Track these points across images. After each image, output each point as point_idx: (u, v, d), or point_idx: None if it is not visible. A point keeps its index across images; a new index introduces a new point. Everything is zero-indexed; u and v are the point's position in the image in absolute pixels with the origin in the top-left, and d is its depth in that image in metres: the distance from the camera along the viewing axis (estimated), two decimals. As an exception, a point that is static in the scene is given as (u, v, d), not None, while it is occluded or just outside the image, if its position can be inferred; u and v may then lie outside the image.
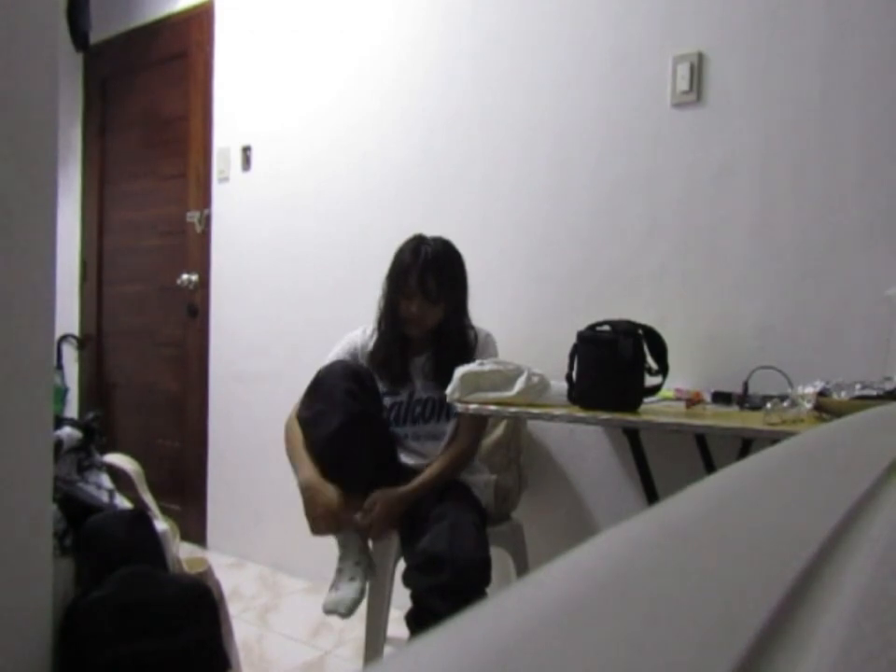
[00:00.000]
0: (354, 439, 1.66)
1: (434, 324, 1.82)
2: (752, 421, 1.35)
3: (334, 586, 1.66)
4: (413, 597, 1.53)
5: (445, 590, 1.45)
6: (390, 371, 1.84)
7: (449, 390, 1.59)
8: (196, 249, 3.07)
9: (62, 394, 3.47)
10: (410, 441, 1.84)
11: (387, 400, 1.85)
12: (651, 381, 1.53)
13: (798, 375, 1.58)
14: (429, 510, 1.63)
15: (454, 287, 1.82)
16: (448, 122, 2.36)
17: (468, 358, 1.74)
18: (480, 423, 1.84)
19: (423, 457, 1.83)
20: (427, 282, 1.75)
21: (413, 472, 1.79)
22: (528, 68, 2.19)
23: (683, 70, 1.91)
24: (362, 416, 1.68)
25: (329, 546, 1.78)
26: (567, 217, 2.12)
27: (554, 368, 1.62)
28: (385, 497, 1.67)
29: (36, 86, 1.21)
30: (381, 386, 1.85)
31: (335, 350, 1.91)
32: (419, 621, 1.51)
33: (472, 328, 1.89)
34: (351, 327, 1.98)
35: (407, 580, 1.54)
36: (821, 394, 1.35)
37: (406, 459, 1.83)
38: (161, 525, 1.54)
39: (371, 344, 1.87)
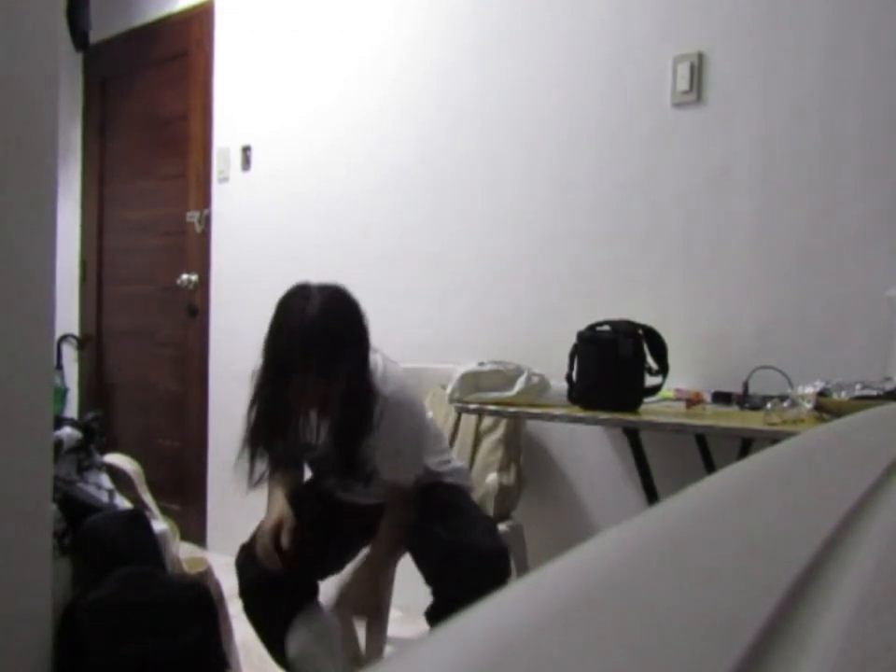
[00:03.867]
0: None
1: (336, 395, 1.53)
2: (752, 421, 1.35)
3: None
4: (436, 593, 1.53)
5: (468, 582, 1.45)
6: (281, 450, 1.72)
7: (449, 390, 1.58)
8: (196, 249, 3.07)
9: (62, 394, 3.46)
10: (338, 490, 1.73)
11: (307, 456, 1.76)
12: (651, 381, 1.53)
13: (798, 375, 1.58)
14: (436, 518, 1.61)
15: (350, 353, 1.54)
16: (448, 122, 2.36)
17: (369, 428, 1.53)
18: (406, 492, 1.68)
19: (354, 493, 1.71)
20: (314, 365, 1.48)
21: (350, 506, 1.72)
22: (528, 68, 2.19)
23: (683, 70, 1.91)
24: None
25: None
26: (566, 217, 2.12)
27: (554, 368, 1.62)
28: (359, 583, 1.63)
29: (36, 86, 1.21)
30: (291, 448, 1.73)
31: None
32: (442, 616, 1.49)
33: (374, 391, 1.56)
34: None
35: (429, 578, 1.54)
36: (821, 394, 1.35)
37: (343, 497, 1.73)
38: (160, 525, 1.54)
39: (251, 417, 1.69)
